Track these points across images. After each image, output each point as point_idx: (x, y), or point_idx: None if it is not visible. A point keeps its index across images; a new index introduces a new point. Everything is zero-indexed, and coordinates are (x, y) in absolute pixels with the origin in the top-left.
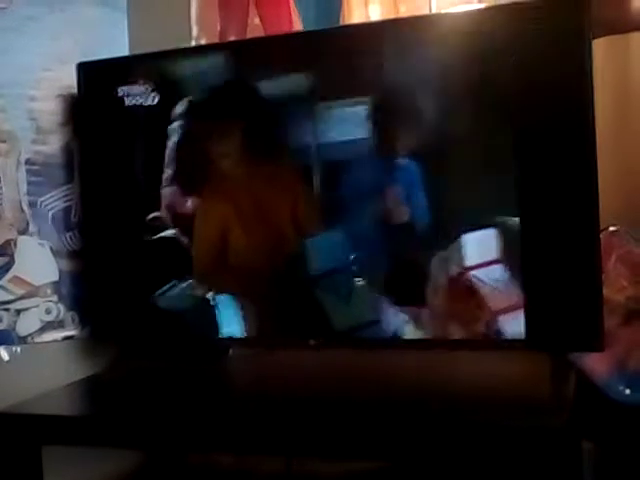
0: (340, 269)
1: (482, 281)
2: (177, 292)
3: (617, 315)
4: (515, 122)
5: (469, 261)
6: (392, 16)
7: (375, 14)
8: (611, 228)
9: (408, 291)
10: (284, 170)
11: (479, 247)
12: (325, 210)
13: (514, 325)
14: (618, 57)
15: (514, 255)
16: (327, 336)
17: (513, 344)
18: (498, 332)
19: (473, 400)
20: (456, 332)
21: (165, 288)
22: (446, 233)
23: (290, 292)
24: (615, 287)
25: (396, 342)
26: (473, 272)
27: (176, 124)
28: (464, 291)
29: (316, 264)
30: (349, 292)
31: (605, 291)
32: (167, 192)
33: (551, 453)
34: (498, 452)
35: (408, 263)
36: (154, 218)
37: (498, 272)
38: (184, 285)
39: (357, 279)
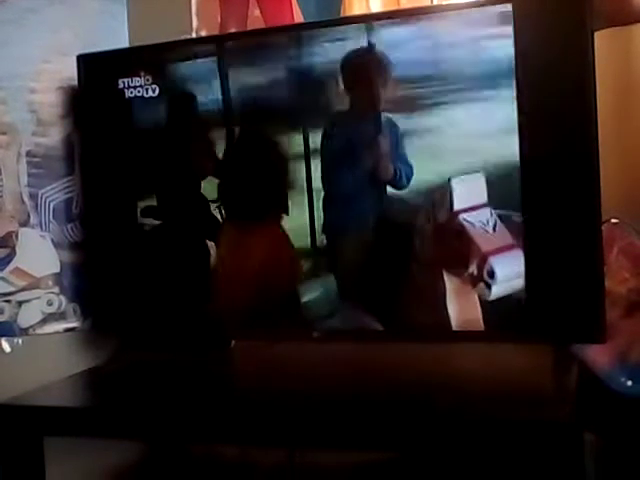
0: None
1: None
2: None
3: (619, 307)
4: (518, 113)
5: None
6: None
7: (376, 6)
8: (613, 220)
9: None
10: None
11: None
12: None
13: (506, 267)
14: (620, 49)
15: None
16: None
17: (515, 336)
18: (490, 273)
19: (474, 392)
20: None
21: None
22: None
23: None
24: (617, 279)
25: (399, 334)
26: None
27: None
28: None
29: None
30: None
31: (607, 283)
32: None
33: (553, 445)
34: (500, 444)
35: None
36: (147, 208)
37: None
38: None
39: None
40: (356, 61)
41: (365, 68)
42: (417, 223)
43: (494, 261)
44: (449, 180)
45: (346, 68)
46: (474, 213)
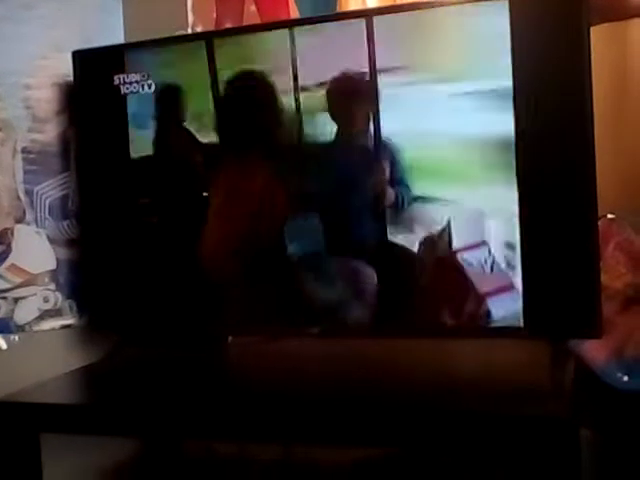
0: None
1: (471, 263)
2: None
3: (615, 302)
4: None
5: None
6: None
7: (372, 2)
8: (609, 216)
9: (397, 276)
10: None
11: (469, 229)
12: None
13: (504, 307)
14: (616, 44)
15: (510, 241)
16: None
17: (511, 331)
18: (488, 314)
19: (470, 387)
20: (446, 314)
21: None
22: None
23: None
24: (613, 274)
25: (393, 330)
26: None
27: None
28: (452, 273)
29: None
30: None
31: (603, 278)
32: None
33: (549, 440)
34: (496, 439)
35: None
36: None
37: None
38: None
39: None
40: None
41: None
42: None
43: (491, 303)
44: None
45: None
46: (472, 252)
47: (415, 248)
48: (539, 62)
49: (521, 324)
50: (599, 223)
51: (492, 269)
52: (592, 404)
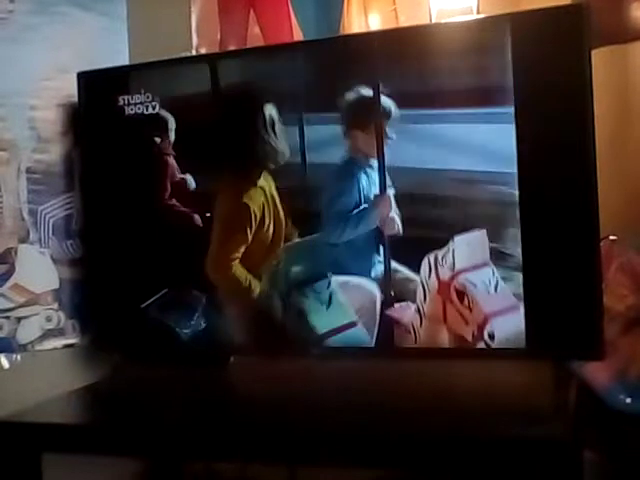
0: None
1: (474, 284)
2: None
3: (617, 324)
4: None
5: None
6: (392, 26)
7: (375, 24)
8: (611, 237)
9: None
10: None
11: (471, 250)
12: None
13: (507, 329)
14: (617, 67)
15: (512, 261)
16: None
17: (513, 352)
18: (491, 336)
19: (472, 409)
20: (448, 336)
21: (165, 295)
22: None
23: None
24: (615, 296)
25: (395, 352)
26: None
27: None
28: (455, 294)
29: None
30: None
31: (605, 300)
32: None
33: (552, 463)
34: (498, 462)
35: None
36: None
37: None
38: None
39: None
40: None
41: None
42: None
43: (495, 323)
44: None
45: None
46: (476, 272)
47: (418, 269)
48: (540, 85)
49: (524, 345)
50: (601, 245)
51: (496, 290)
52: (595, 426)
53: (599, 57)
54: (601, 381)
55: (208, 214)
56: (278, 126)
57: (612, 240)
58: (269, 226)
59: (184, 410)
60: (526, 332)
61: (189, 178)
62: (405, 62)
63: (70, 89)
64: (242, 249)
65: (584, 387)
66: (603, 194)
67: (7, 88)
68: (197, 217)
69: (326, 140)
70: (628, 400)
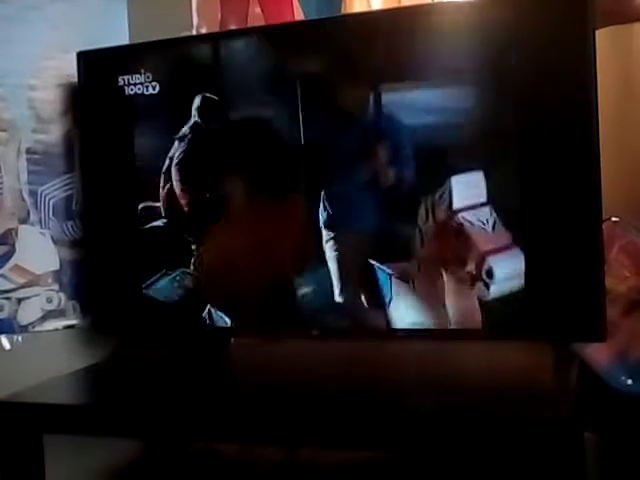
0: None
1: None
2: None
3: (619, 305)
4: (517, 113)
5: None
6: (393, 5)
7: (376, 3)
8: (613, 219)
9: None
10: None
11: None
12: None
13: (505, 266)
14: (621, 47)
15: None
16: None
17: (514, 334)
18: (489, 273)
19: (474, 390)
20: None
21: (165, 276)
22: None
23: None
24: (617, 277)
25: (396, 333)
26: None
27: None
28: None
29: None
30: None
31: (607, 281)
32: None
33: (553, 444)
34: (500, 443)
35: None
36: (146, 208)
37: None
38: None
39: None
40: None
41: None
42: (417, 220)
43: (493, 261)
44: (449, 178)
45: None
46: (473, 212)
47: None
48: (543, 65)
49: (525, 327)
50: (603, 226)
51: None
52: (596, 407)
53: (603, 36)
54: (602, 362)
55: (208, 194)
56: None
57: (614, 221)
58: None
59: (184, 391)
60: (528, 314)
61: None
62: (407, 42)
63: (70, 69)
64: None
65: (585, 368)
66: (606, 175)
67: (6, 67)
68: (199, 196)
69: None
70: (629, 381)
